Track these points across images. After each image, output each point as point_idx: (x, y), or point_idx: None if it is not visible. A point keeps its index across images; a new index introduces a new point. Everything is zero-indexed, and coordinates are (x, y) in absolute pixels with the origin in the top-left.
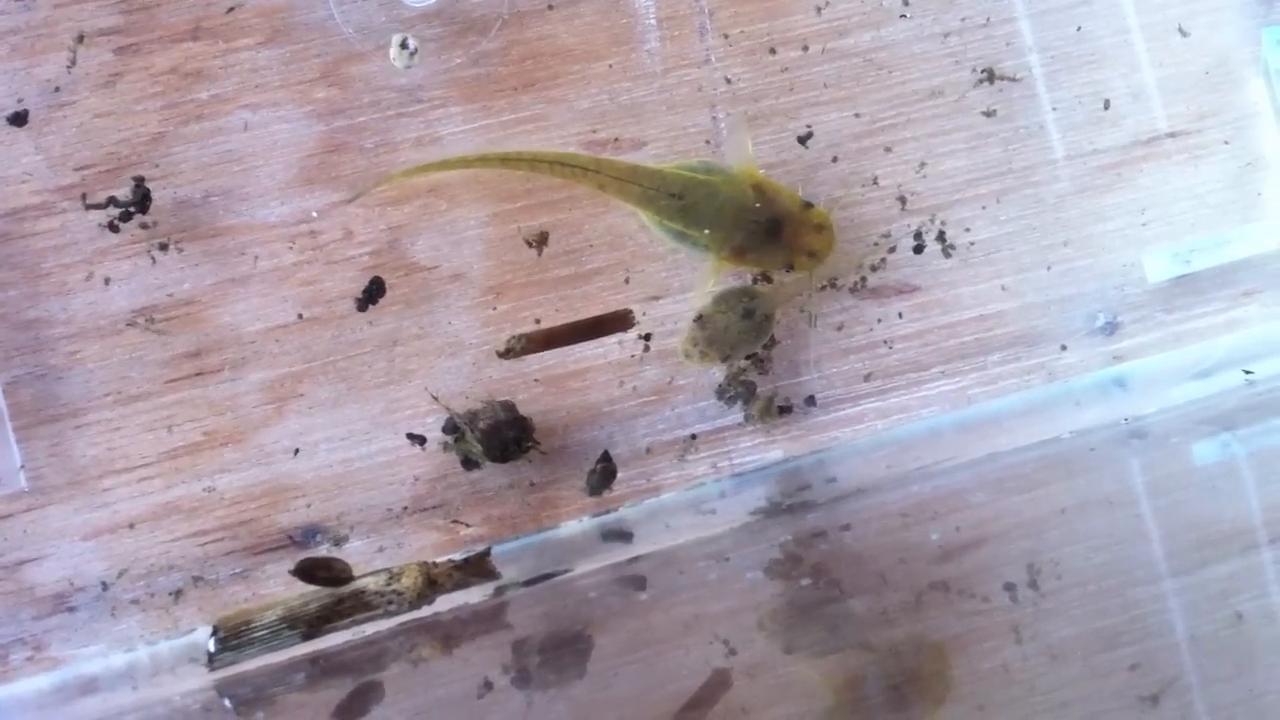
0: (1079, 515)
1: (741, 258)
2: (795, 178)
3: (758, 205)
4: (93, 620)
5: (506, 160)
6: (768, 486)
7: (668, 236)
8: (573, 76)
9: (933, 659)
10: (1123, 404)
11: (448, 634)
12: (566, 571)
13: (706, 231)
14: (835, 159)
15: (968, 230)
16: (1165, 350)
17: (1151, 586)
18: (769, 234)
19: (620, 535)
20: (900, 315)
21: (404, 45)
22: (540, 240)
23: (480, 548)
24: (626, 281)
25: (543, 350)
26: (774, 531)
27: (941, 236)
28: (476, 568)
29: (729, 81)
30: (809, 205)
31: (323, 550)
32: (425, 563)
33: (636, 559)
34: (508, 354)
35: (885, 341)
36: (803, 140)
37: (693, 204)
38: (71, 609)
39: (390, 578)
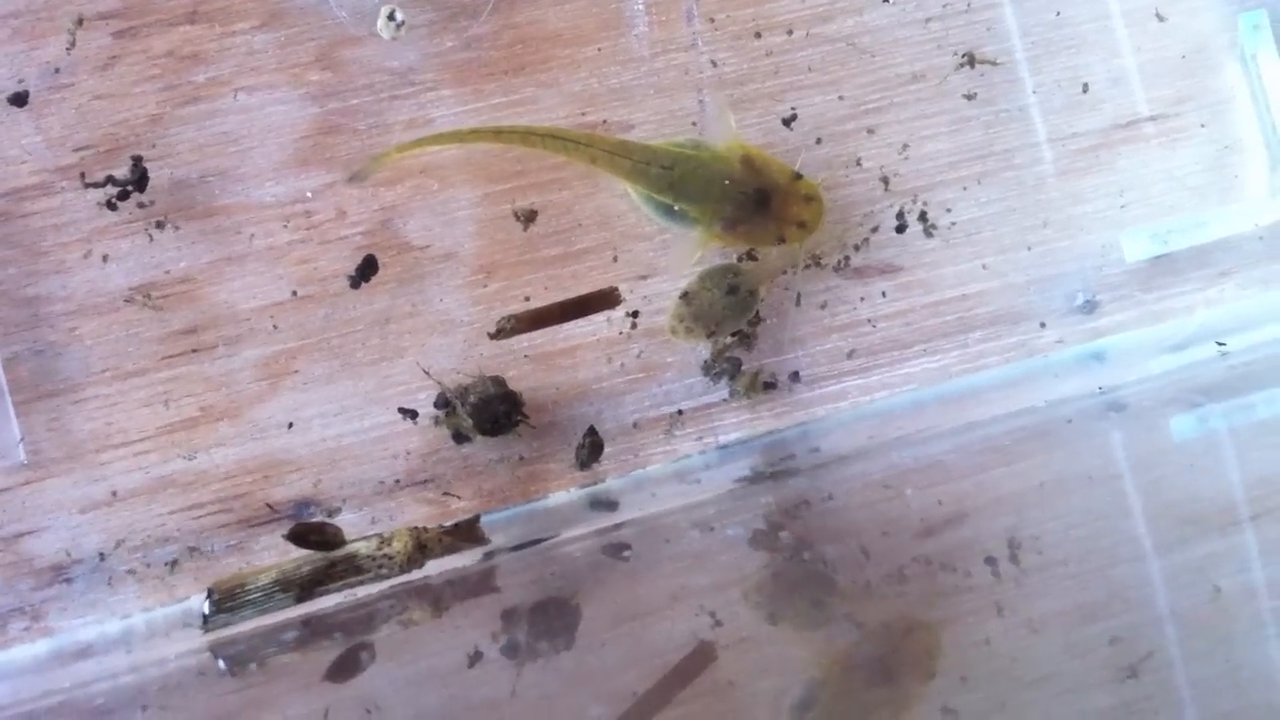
0: (1058, 490)
1: (732, 231)
2: (781, 159)
3: (747, 177)
4: (89, 591)
5: (500, 134)
6: (752, 457)
7: (656, 213)
8: (562, 60)
9: (923, 635)
10: (1100, 376)
11: (437, 598)
12: (554, 537)
13: (697, 205)
14: (819, 140)
15: (949, 211)
16: (1144, 326)
17: (1132, 563)
18: (759, 205)
19: (607, 504)
20: (883, 294)
21: (391, 17)
22: (528, 217)
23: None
24: (615, 260)
25: (532, 330)
26: (757, 497)
27: (923, 216)
28: (466, 533)
29: (715, 65)
30: (798, 176)
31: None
32: (415, 527)
33: (621, 525)
34: (499, 335)
35: (868, 320)
36: (787, 123)
37: (683, 176)
38: (69, 580)
39: (381, 542)
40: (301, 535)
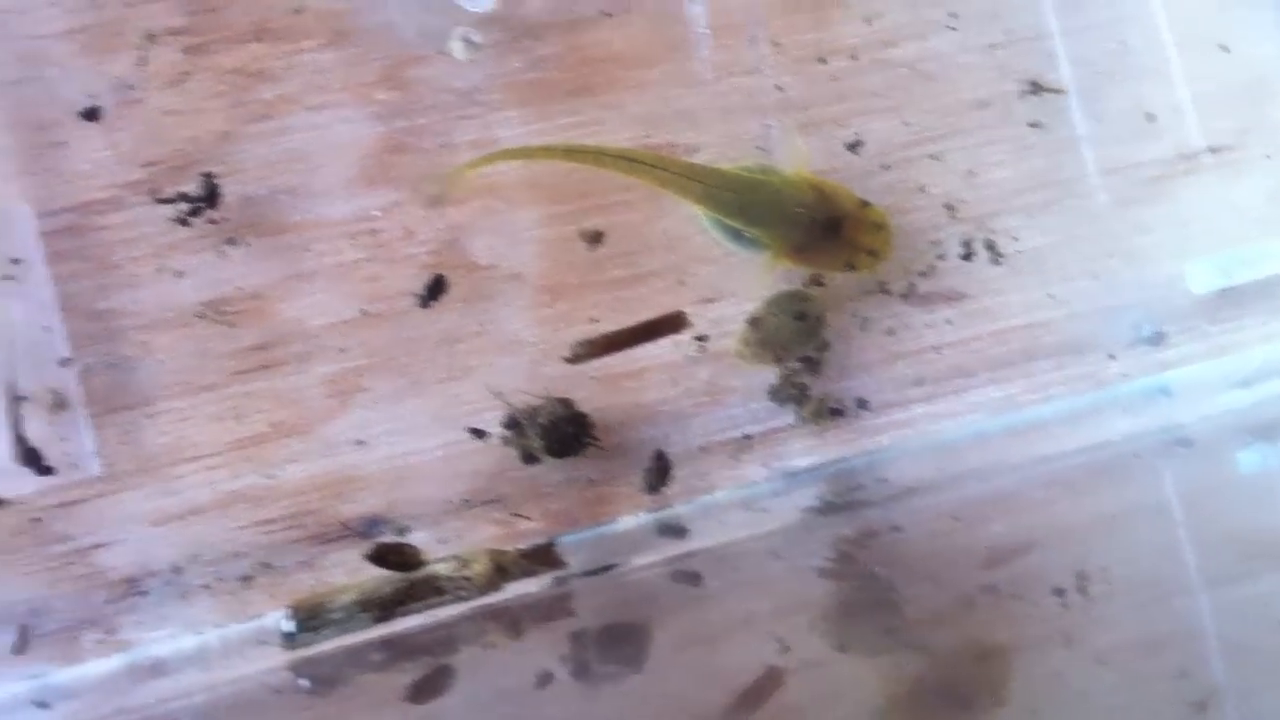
0: (1125, 522)
1: (801, 257)
2: (846, 184)
3: (817, 203)
4: (163, 604)
5: (571, 153)
6: (819, 486)
7: (725, 237)
8: (627, 82)
9: (993, 662)
10: (1167, 410)
11: (515, 621)
12: (625, 564)
13: (767, 230)
14: (885, 167)
15: (1015, 239)
16: (1210, 359)
17: (1196, 594)
18: (828, 232)
19: (675, 530)
20: (949, 322)
21: (467, 39)
22: (595, 238)
23: (540, 540)
24: (681, 284)
25: (606, 354)
26: (826, 529)
27: (990, 244)
28: (543, 556)
29: (780, 89)
30: (866, 204)
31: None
32: (494, 550)
33: (692, 554)
34: (574, 359)
35: (934, 347)
36: (852, 148)
37: (753, 202)
38: (143, 593)
39: (460, 564)
40: (381, 556)
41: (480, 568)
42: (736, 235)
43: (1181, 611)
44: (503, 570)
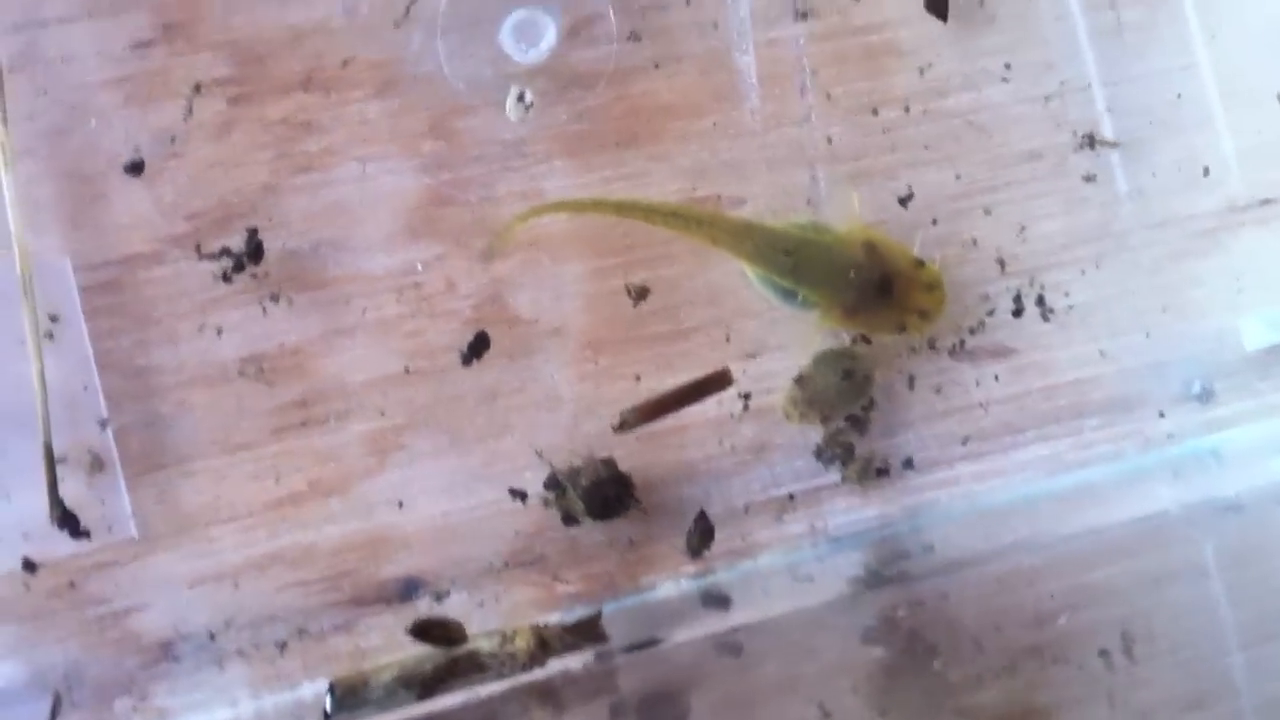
0: (1172, 583)
1: (852, 318)
2: (915, 238)
3: (870, 264)
4: (198, 670)
5: (621, 208)
6: (864, 553)
7: (774, 295)
8: (675, 133)
9: None
10: (1218, 476)
11: (556, 696)
12: (667, 640)
13: (818, 290)
14: (935, 220)
15: (1066, 294)
16: (1261, 419)
17: (1243, 653)
18: (880, 293)
19: (718, 600)
20: (997, 378)
21: (521, 98)
22: (640, 294)
23: (583, 607)
24: (726, 340)
25: (653, 419)
26: (871, 604)
27: (1040, 300)
28: (587, 631)
29: (830, 141)
30: (921, 263)
31: (424, 604)
32: (537, 625)
33: (735, 629)
34: (622, 428)
35: (981, 404)
36: (903, 201)
37: (805, 261)
38: (177, 658)
39: (504, 639)
40: (424, 630)
41: (523, 643)
42: (786, 293)
43: (1226, 670)
44: (545, 645)
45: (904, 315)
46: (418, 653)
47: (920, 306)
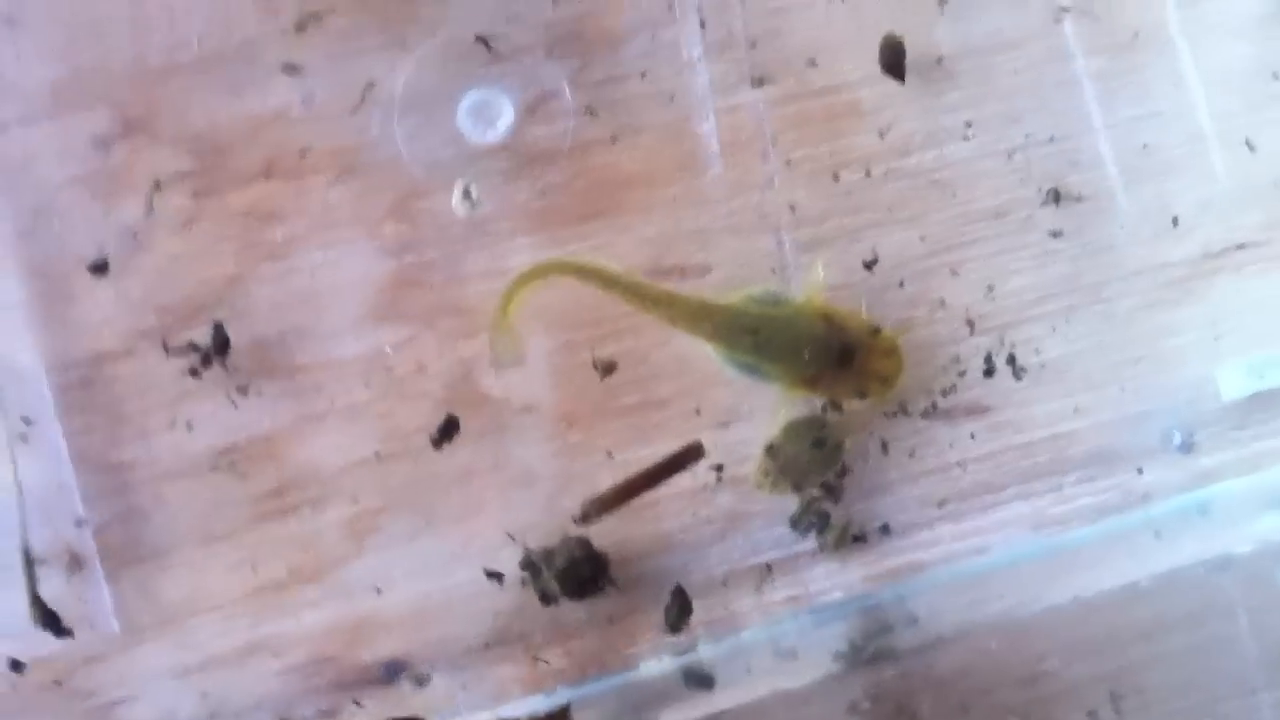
0: (1163, 637)
1: (814, 387)
2: (861, 301)
3: (829, 335)
4: None
5: (582, 271)
6: (848, 624)
7: (735, 369)
8: (637, 204)
9: None
10: (1205, 532)
11: None
12: None
13: (780, 364)
14: (901, 283)
15: (1037, 352)
16: (1244, 471)
17: (1241, 699)
18: (841, 362)
19: (701, 679)
20: (972, 436)
21: (466, 194)
22: (607, 369)
23: (565, 685)
24: (697, 412)
25: (618, 506)
26: (856, 678)
27: (1011, 359)
28: None
29: (793, 207)
30: (877, 330)
31: (407, 687)
32: None
33: (719, 715)
34: (584, 520)
35: (958, 463)
36: (868, 265)
37: (766, 339)
38: None
39: None
40: None
41: None
42: (749, 367)
43: (1223, 715)
44: None
45: (865, 382)
46: None
47: (880, 372)
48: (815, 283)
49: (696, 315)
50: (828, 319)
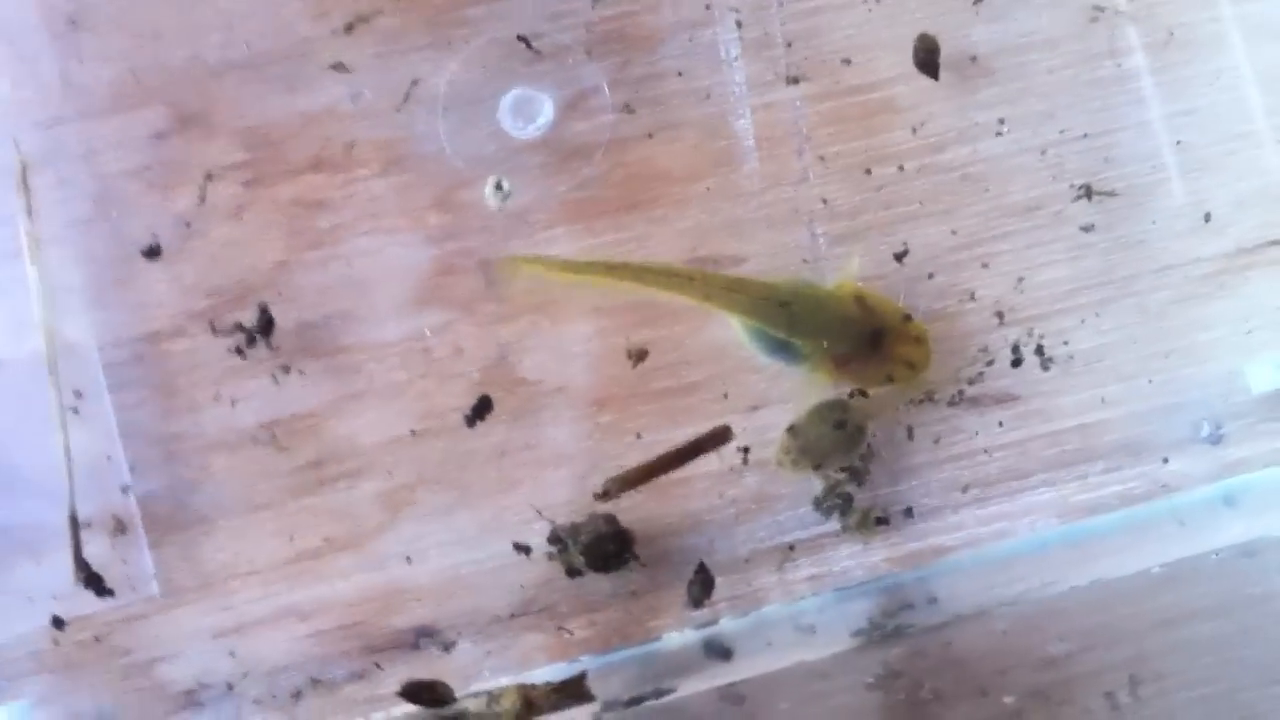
0: (1184, 625)
1: (842, 369)
2: (892, 293)
3: (861, 316)
4: (218, 717)
5: (613, 269)
6: (868, 602)
7: (763, 349)
8: (673, 197)
9: None
10: (1230, 523)
11: None
12: (669, 692)
13: (811, 340)
14: (931, 275)
15: (1066, 343)
16: (1272, 463)
17: (1257, 691)
18: (871, 345)
19: (721, 651)
20: (1000, 424)
21: (499, 186)
22: (639, 356)
23: (584, 661)
24: (726, 397)
25: (639, 485)
26: (875, 654)
27: (1040, 350)
28: (573, 690)
29: (825, 201)
30: (908, 317)
31: (434, 653)
32: (523, 685)
33: (736, 683)
34: (605, 497)
35: (984, 450)
36: (899, 257)
37: (800, 313)
38: (199, 704)
39: (490, 699)
40: (413, 693)
41: (509, 703)
42: (774, 347)
43: (1231, 713)
44: (532, 705)
45: (892, 367)
46: (409, 714)
47: (908, 358)
48: (849, 273)
49: (731, 288)
50: (861, 301)
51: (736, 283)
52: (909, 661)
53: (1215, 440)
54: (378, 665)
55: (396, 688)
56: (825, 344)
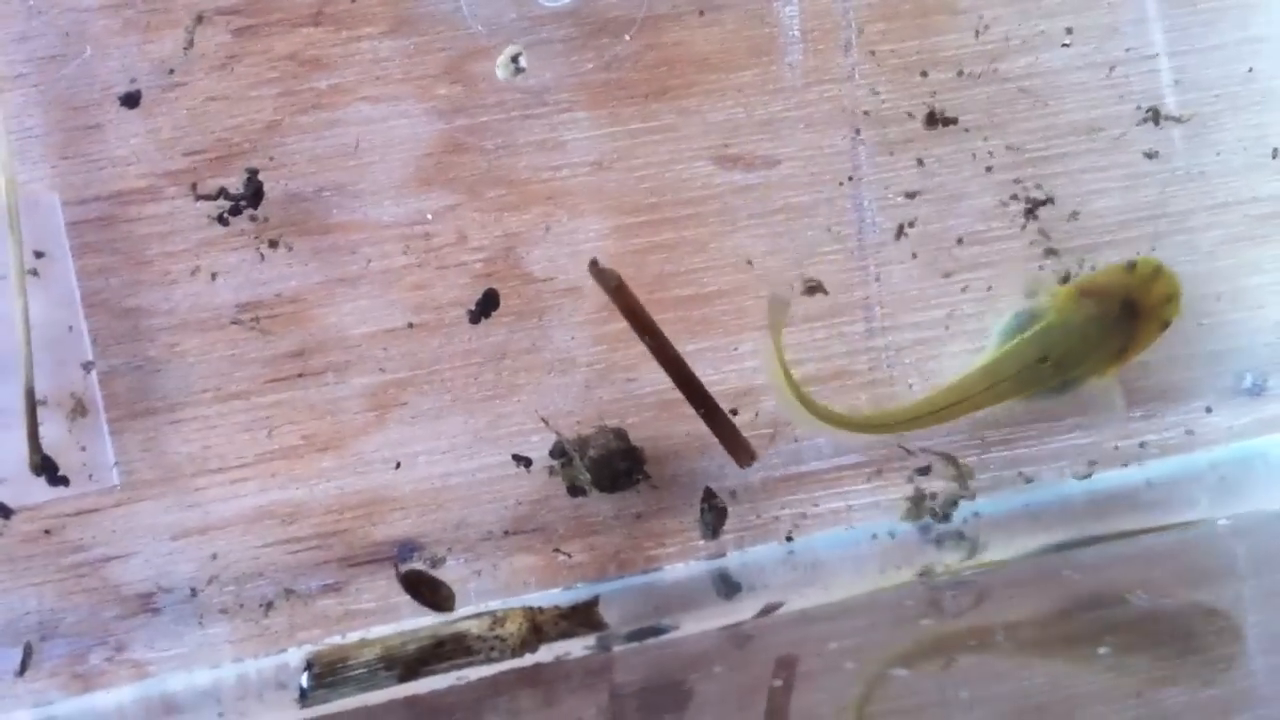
0: (1223, 583)
1: (1124, 357)
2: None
3: (1104, 307)
4: (177, 624)
5: (871, 426)
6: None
7: (1044, 403)
8: (708, 86)
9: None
10: (1269, 479)
11: (549, 687)
12: (671, 629)
13: (1087, 365)
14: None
15: None
16: None
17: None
18: (1130, 320)
19: (729, 586)
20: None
21: (515, 59)
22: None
23: (584, 582)
24: (742, 311)
25: (634, 328)
26: (892, 597)
27: None
28: (583, 617)
29: (874, 98)
30: (1132, 265)
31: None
32: (530, 609)
33: (743, 622)
34: (596, 272)
35: None
36: None
37: (1060, 355)
38: (156, 610)
39: (494, 622)
40: (413, 584)
41: (515, 627)
42: (1054, 393)
43: (1250, 675)
44: (539, 630)
45: (1160, 311)
46: (403, 633)
47: (1164, 295)
48: (1044, 280)
49: (989, 379)
50: (1088, 294)
51: (985, 374)
52: (927, 606)
53: (1257, 392)
54: (358, 578)
55: (374, 604)
56: (1100, 357)
